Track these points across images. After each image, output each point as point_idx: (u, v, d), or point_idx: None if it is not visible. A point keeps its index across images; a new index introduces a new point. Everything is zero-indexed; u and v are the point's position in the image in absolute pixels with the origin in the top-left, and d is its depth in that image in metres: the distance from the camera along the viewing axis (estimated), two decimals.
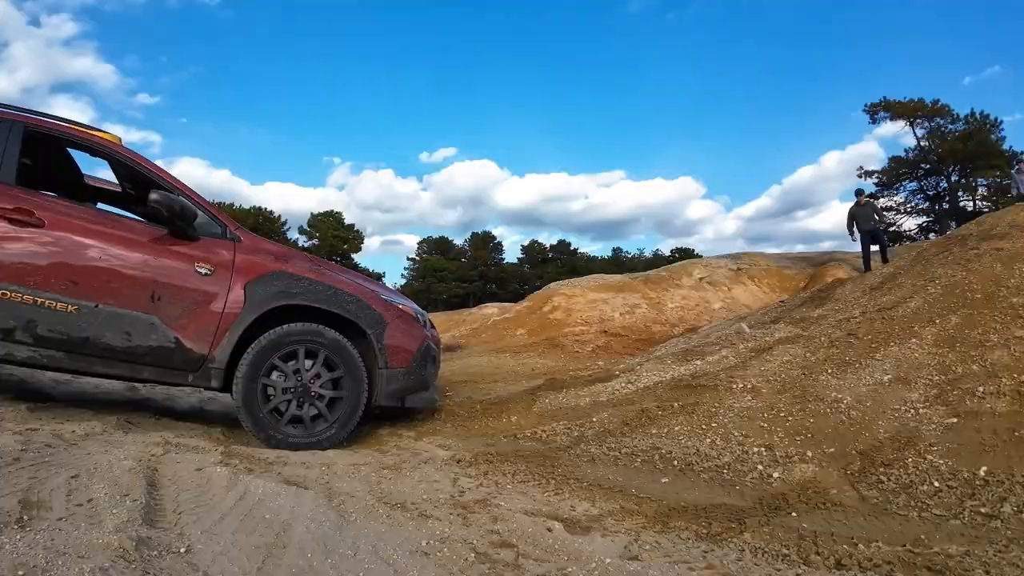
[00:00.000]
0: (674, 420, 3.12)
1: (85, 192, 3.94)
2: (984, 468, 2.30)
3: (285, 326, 3.05)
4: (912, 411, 2.81)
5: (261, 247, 3.23)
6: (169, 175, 3.22)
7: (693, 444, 2.87)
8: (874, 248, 10.80)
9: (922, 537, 1.97)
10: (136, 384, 4.91)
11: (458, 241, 59.30)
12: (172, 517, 1.77)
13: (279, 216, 43.57)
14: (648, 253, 59.49)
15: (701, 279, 12.43)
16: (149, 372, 2.96)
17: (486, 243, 57.59)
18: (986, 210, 23.71)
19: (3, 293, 2.71)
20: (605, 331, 10.26)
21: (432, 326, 3.90)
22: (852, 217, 10.38)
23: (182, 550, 1.56)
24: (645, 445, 2.94)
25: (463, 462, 2.80)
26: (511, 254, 60.84)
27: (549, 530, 1.97)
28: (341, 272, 3.53)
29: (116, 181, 3.96)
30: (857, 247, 10.85)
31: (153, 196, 2.85)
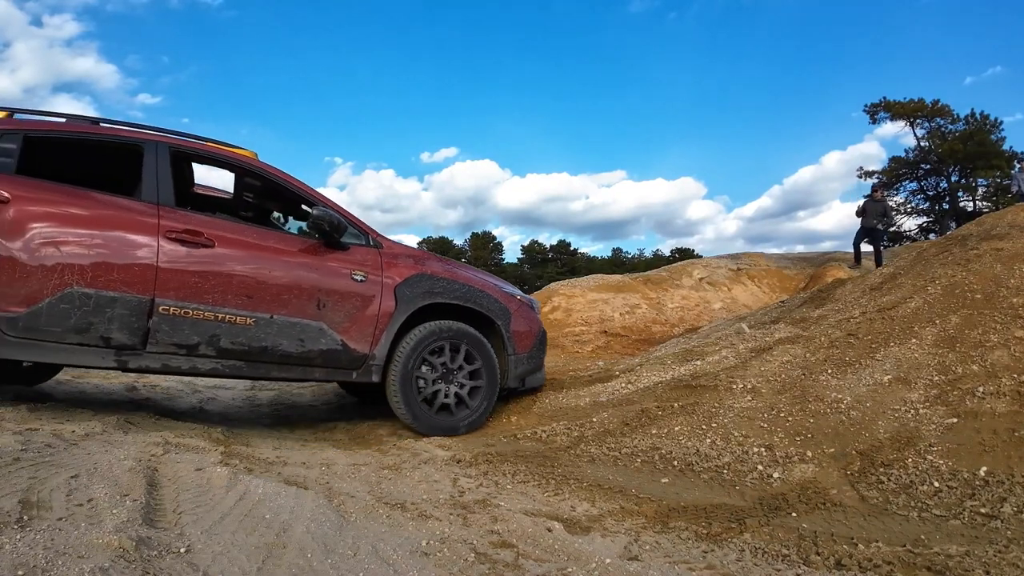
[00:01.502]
0: (674, 420, 3.12)
1: (195, 201, 3.99)
2: (984, 468, 2.30)
3: (432, 323, 3.39)
4: (912, 411, 2.81)
5: (400, 252, 3.51)
6: (308, 187, 3.48)
7: (693, 444, 2.87)
8: (868, 249, 11.06)
9: (922, 537, 1.97)
10: (136, 384, 4.91)
11: (458, 241, 59.31)
12: (172, 517, 1.77)
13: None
14: (648, 253, 59.49)
15: (701, 279, 12.43)
16: (319, 373, 3.22)
17: (486, 243, 57.58)
18: (986, 210, 23.70)
19: (185, 311, 2.89)
20: (605, 331, 10.26)
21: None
22: (864, 208, 10.76)
23: (182, 550, 1.56)
24: (645, 445, 2.94)
25: (463, 462, 2.80)
26: (511, 254, 60.92)
27: (549, 530, 1.97)
28: (467, 269, 3.85)
29: (221, 190, 4.17)
30: (861, 246, 11.10)
31: (316, 212, 3.16)
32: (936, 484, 2.29)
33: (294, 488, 2.14)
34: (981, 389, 2.79)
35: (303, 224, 4.26)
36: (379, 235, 3.50)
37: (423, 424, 3.32)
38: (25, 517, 1.57)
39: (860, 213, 10.75)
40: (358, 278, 3.25)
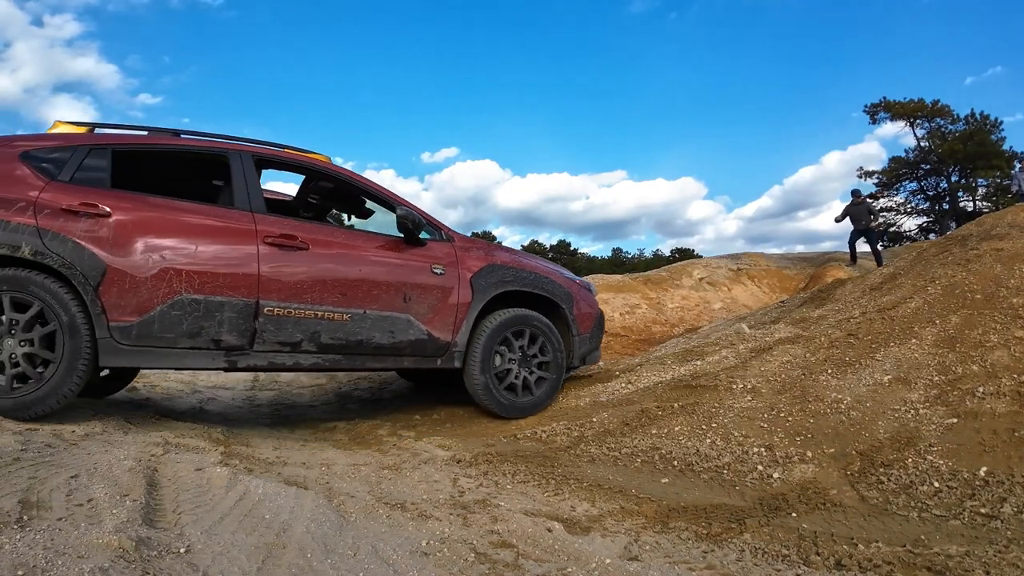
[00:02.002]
0: (674, 420, 3.12)
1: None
2: (984, 468, 2.30)
3: (507, 311, 3.62)
4: (912, 411, 2.80)
5: (470, 244, 3.72)
6: (381, 186, 3.67)
7: (693, 444, 2.87)
8: (865, 249, 11.37)
9: (922, 537, 1.97)
10: (136, 384, 4.90)
11: None
12: (172, 517, 1.77)
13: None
14: (648, 253, 59.40)
15: (701, 279, 12.42)
16: (408, 361, 3.43)
17: None
18: (986, 210, 23.69)
19: (288, 311, 3.04)
20: (605, 331, 10.25)
21: None
22: (846, 213, 11.07)
23: (182, 550, 1.56)
24: (645, 445, 2.94)
25: (463, 462, 2.80)
26: None
27: (549, 530, 1.97)
28: (530, 258, 4.06)
29: (283, 193, 4.35)
30: (860, 247, 11.43)
31: (400, 211, 3.35)
32: (936, 484, 2.29)
33: (294, 488, 2.14)
34: (981, 389, 2.79)
35: (355, 222, 4.46)
36: (450, 230, 3.69)
37: (502, 406, 3.56)
38: (25, 517, 1.57)
39: (840, 219, 11.08)
40: (438, 271, 3.45)
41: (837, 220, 11.08)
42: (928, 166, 30.30)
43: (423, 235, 3.49)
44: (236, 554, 1.59)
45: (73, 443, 2.38)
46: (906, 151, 31.15)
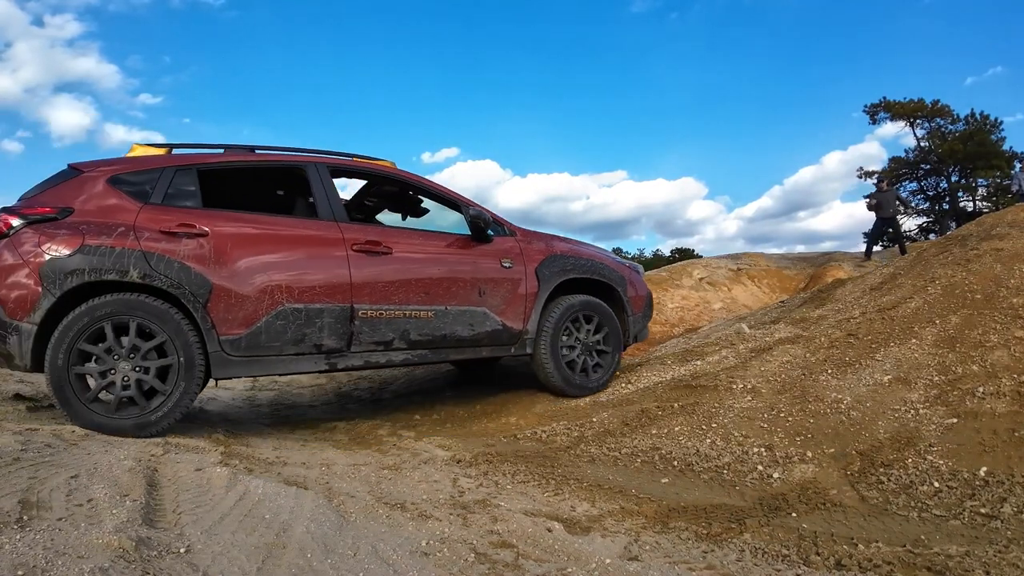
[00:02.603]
0: (674, 420, 3.12)
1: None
2: (984, 468, 2.30)
3: (569, 297, 3.84)
4: (912, 411, 2.80)
5: (532, 237, 3.91)
6: (448, 188, 3.85)
7: (693, 444, 2.87)
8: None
9: (922, 537, 1.97)
10: None
11: None
12: (172, 517, 1.77)
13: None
14: (648, 253, 59.35)
15: (701, 279, 12.41)
16: (486, 351, 3.64)
17: None
18: (986, 210, 23.67)
19: (379, 313, 3.22)
20: None
21: None
22: (878, 203, 10.80)
23: (182, 550, 1.56)
24: (645, 445, 2.94)
25: (463, 462, 2.80)
26: None
27: (549, 530, 1.97)
28: (584, 246, 4.23)
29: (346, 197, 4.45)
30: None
31: (472, 211, 3.55)
32: (936, 484, 2.29)
33: (294, 488, 2.14)
34: (981, 389, 2.78)
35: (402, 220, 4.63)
36: (511, 224, 3.88)
37: (571, 386, 3.80)
38: (25, 517, 1.57)
39: (875, 207, 10.84)
40: (507, 265, 3.66)
41: (870, 207, 10.81)
42: (928, 166, 30.28)
43: (488, 232, 3.68)
44: (236, 554, 1.59)
45: (73, 443, 2.37)
46: (906, 151, 31.12)
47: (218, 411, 4.36)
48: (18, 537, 1.45)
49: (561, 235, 4.22)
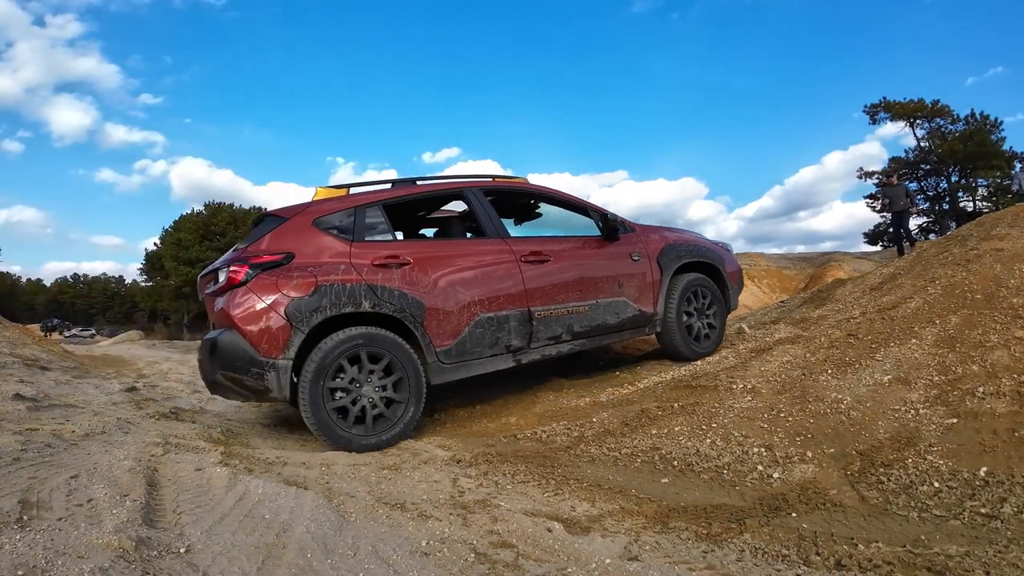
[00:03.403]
0: (674, 420, 3.11)
1: (438, 221, 4.79)
2: (984, 468, 2.29)
3: (685, 277, 4.41)
4: (912, 411, 2.80)
5: (648, 231, 4.47)
6: (578, 197, 4.40)
7: (693, 444, 2.86)
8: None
9: (922, 537, 1.97)
10: (136, 385, 4.91)
11: None
12: (172, 517, 1.77)
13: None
14: None
15: None
16: (627, 334, 4.24)
17: None
18: (986, 210, 23.66)
19: (550, 312, 3.76)
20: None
21: None
22: (887, 196, 11.10)
23: (182, 550, 1.56)
24: (645, 445, 2.93)
25: (463, 462, 2.80)
26: None
27: (549, 530, 1.97)
28: (686, 233, 4.80)
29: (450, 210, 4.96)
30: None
31: (609, 215, 4.13)
32: (936, 484, 2.29)
33: (294, 488, 2.14)
34: (981, 389, 2.78)
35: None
36: (630, 222, 4.40)
37: (695, 352, 4.38)
38: (25, 517, 1.57)
39: (887, 205, 10.99)
40: (635, 258, 4.21)
41: (885, 205, 11.12)
42: (928, 166, 30.27)
43: (618, 231, 4.21)
44: (236, 554, 1.59)
45: (73, 443, 2.37)
46: (906, 151, 31.13)
47: (218, 411, 4.36)
48: (18, 537, 1.45)
49: (666, 226, 4.81)
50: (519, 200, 4.58)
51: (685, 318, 4.37)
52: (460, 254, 3.61)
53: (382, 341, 3.17)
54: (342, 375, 3.08)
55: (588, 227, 4.21)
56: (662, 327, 4.30)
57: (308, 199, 3.61)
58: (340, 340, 3.06)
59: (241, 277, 3.05)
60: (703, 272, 4.57)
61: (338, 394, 3.08)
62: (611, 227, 4.10)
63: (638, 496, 2.42)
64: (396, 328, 3.26)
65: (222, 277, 3.13)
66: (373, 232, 3.41)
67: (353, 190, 3.59)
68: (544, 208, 4.71)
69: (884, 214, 11.26)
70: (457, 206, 4.54)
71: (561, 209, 4.42)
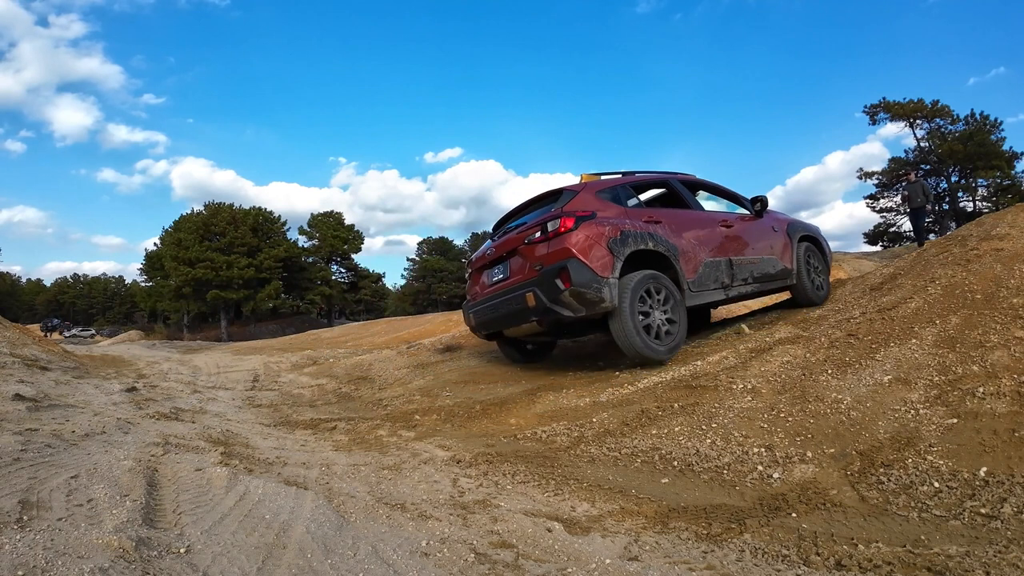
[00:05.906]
0: (674, 421, 3.11)
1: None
2: (984, 469, 2.29)
3: (803, 245, 5.97)
4: (912, 412, 2.80)
5: (772, 212, 6.00)
6: (731, 189, 5.92)
7: (693, 445, 2.86)
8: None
9: (922, 538, 1.96)
10: (136, 385, 4.90)
11: (458, 242, 59.28)
12: (172, 517, 1.77)
13: (279, 216, 43.20)
14: None
15: None
16: (778, 283, 5.64)
17: None
18: (986, 210, 23.67)
19: (740, 261, 5.18)
20: (603, 331, 10.21)
21: None
22: (906, 193, 11.52)
23: (182, 550, 1.56)
24: (645, 446, 2.93)
25: (463, 462, 2.79)
26: None
27: (549, 530, 1.97)
28: (787, 215, 6.30)
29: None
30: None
31: (762, 199, 5.79)
32: (936, 484, 2.29)
33: (294, 488, 2.14)
34: (981, 389, 2.78)
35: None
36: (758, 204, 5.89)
37: (819, 299, 5.76)
38: (25, 517, 1.57)
39: (906, 198, 11.39)
40: (776, 229, 5.77)
41: (904, 200, 11.54)
42: (928, 166, 30.26)
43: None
44: (236, 554, 1.59)
45: (73, 443, 2.37)
46: (906, 151, 31.12)
47: (218, 411, 4.36)
48: (18, 537, 1.45)
49: (775, 210, 6.21)
50: (693, 188, 5.87)
51: (808, 274, 5.80)
52: (688, 219, 5.02)
53: (661, 279, 4.44)
54: (643, 303, 4.30)
55: (731, 208, 5.74)
56: (796, 280, 5.71)
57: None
58: (641, 277, 4.31)
59: (571, 224, 4.26)
60: (810, 243, 6.11)
61: (640, 317, 4.25)
62: (763, 206, 5.74)
63: (638, 496, 2.42)
64: (662, 268, 4.56)
65: (551, 227, 4.32)
66: (630, 202, 4.81)
67: (601, 178, 4.97)
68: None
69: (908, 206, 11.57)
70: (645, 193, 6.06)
71: (708, 193, 5.88)
